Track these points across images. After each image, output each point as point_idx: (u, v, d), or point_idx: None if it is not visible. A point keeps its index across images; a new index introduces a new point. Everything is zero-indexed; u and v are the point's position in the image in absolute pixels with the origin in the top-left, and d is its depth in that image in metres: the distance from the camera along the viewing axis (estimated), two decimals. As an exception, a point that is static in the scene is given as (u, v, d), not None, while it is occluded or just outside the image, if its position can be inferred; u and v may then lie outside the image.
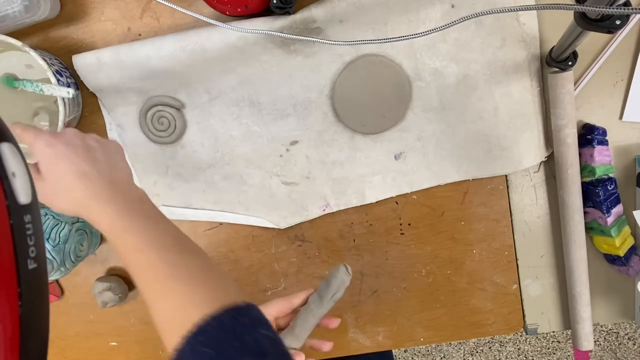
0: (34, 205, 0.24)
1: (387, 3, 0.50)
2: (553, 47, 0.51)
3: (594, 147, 0.53)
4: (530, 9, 0.36)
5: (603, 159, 0.54)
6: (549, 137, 0.55)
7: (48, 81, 0.50)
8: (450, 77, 0.53)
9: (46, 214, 0.54)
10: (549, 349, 1.62)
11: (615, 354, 1.60)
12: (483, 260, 0.59)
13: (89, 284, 0.63)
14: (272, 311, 0.49)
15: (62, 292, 0.64)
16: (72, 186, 0.39)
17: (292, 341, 0.49)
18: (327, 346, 0.51)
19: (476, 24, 0.52)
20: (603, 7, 0.31)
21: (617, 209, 0.55)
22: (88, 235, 0.57)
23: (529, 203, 0.58)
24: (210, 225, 0.61)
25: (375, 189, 0.57)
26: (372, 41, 0.41)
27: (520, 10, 0.36)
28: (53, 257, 0.52)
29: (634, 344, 1.60)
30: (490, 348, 1.62)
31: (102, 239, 0.61)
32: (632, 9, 0.30)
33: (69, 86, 0.52)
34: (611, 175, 0.55)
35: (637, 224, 0.54)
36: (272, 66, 0.54)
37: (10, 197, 0.22)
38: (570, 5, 0.35)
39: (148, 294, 0.35)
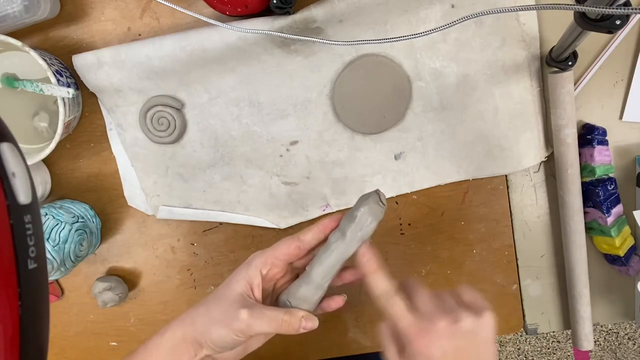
0: (34, 205, 0.24)
1: (387, 3, 0.50)
2: (553, 47, 0.51)
3: (594, 147, 0.53)
4: (530, 9, 0.36)
5: (603, 159, 0.54)
6: (549, 137, 0.55)
7: (48, 81, 0.50)
8: (450, 77, 0.53)
9: (46, 214, 0.54)
10: (549, 349, 1.62)
11: (615, 354, 1.60)
12: (483, 260, 0.59)
13: (89, 284, 0.63)
14: (279, 255, 0.42)
15: (62, 292, 0.64)
16: None
17: (311, 291, 0.41)
18: (336, 302, 0.45)
19: (476, 24, 0.52)
20: (603, 7, 0.31)
21: (617, 209, 0.55)
22: (88, 235, 0.57)
23: (529, 203, 0.58)
24: (210, 225, 0.61)
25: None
26: (372, 41, 0.41)
27: (520, 10, 0.36)
28: (53, 257, 0.52)
29: (634, 344, 1.60)
30: (490, 348, 1.62)
31: (102, 238, 0.61)
32: (632, 9, 0.30)
33: (69, 86, 0.52)
34: (611, 175, 0.55)
35: (637, 224, 0.54)
36: (272, 66, 0.54)
37: (10, 197, 0.22)
38: (570, 5, 0.35)
39: None
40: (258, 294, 0.42)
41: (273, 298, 0.45)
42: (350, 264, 0.43)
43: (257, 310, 0.40)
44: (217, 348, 0.40)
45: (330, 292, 0.44)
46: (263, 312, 0.40)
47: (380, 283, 0.41)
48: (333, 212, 0.59)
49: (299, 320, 0.41)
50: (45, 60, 0.50)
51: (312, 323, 0.41)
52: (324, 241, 0.43)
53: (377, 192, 0.41)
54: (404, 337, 0.39)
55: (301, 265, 0.45)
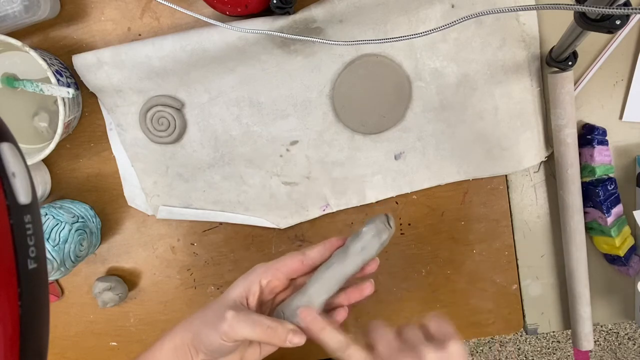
0: (34, 205, 0.24)
1: (387, 3, 0.50)
2: (553, 47, 0.51)
3: (594, 147, 0.53)
4: (530, 9, 0.36)
5: (603, 159, 0.54)
6: (549, 137, 0.55)
7: (48, 81, 0.50)
8: (450, 77, 0.53)
9: (46, 214, 0.54)
10: (549, 349, 1.62)
11: (615, 354, 1.60)
12: (483, 260, 0.59)
13: (89, 284, 0.63)
14: (281, 267, 0.42)
15: (62, 292, 0.64)
16: None
17: (304, 304, 0.41)
18: (368, 289, 0.43)
19: (476, 24, 0.52)
20: (603, 7, 0.31)
21: (617, 209, 0.55)
22: (88, 235, 0.57)
23: (529, 203, 0.58)
24: (210, 225, 0.61)
25: (375, 189, 0.57)
26: (372, 41, 0.41)
27: (520, 10, 0.36)
28: (53, 257, 0.52)
29: (634, 344, 1.60)
30: (490, 348, 1.62)
31: (102, 238, 0.61)
32: (632, 9, 0.30)
33: (69, 86, 0.52)
34: (611, 175, 0.55)
35: (637, 224, 0.54)
36: (272, 66, 0.54)
37: (10, 197, 0.22)
38: (570, 5, 0.35)
39: None
40: (253, 301, 0.42)
41: (272, 312, 0.45)
42: (353, 283, 0.43)
43: (243, 313, 0.39)
44: (208, 352, 0.40)
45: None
46: (248, 316, 0.39)
47: (331, 338, 0.39)
48: (333, 211, 0.59)
49: (286, 332, 0.39)
50: (45, 60, 0.50)
51: (299, 339, 0.40)
52: (324, 258, 0.43)
53: (386, 214, 0.41)
54: None
55: (305, 281, 0.44)
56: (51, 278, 0.55)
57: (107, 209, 0.61)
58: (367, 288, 0.43)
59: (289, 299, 0.43)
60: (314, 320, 0.40)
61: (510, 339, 1.62)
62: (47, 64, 0.50)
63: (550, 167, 0.57)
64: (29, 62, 0.53)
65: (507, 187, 0.58)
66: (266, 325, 0.39)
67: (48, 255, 0.52)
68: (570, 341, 1.36)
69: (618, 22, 0.37)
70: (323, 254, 0.42)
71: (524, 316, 0.61)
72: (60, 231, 0.53)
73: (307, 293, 0.41)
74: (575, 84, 0.54)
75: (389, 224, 0.40)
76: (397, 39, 0.39)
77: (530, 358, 1.62)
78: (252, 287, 0.42)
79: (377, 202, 0.58)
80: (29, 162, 0.53)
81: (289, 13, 0.50)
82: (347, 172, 0.57)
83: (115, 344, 0.65)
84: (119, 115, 0.56)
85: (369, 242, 0.40)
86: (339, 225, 0.60)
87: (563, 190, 0.54)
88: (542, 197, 0.58)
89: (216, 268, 0.62)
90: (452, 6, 0.51)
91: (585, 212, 0.55)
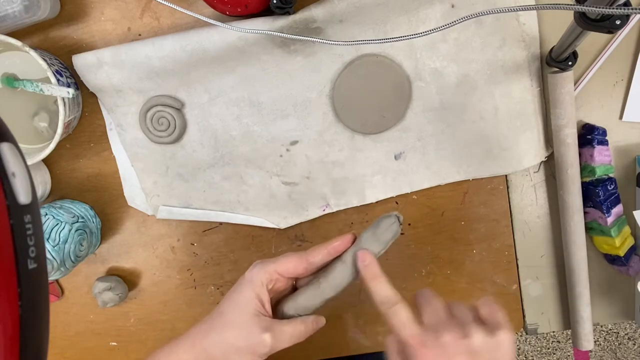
0: (34, 205, 0.24)
1: (387, 3, 0.50)
2: (553, 47, 0.51)
3: (594, 147, 0.53)
4: (530, 9, 0.36)
5: (603, 159, 0.54)
6: (549, 137, 0.55)
7: (48, 81, 0.50)
8: (450, 77, 0.53)
9: (46, 214, 0.54)
10: (549, 349, 1.62)
11: (615, 354, 1.60)
12: (483, 260, 0.59)
13: (89, 284, 0.63)
14: (284, 272, 0.42)
15: (62, 292, 0.64)
16: None
17: (318, 303, 0.42)
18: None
19: (476, 24, 0.52)
20: (603, 7, 0.31)
21: (617, 209, 0.55)
22: (88, 235, 0.57)
23: (529, 203, 0.58)
24: (210, 225, 0.61)
25: (375, 189, 0.57)
26: (372, 41, 0.41)
27: (520, 10, 0.36)
28: (53, 257, 0.52)
29: (634, 344, 1.60)
30: (490, 348, 1.62)
31: (102, 238, 0.61)
32: (632, 9, 0.30)
33: (69, 86, 0.52)
34: (611, 175, 0.55)
35: (637, 224, 0.54)
36: (272, 66, 0.54)
37: (10, 197, 0.22)
38: (570, 5, 0.35)
39: None
40: (269, 308, 0.42)
41: (272, 304, 0.45)
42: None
43: (278, 330, 0.41)
44: None
45: None
46: (283, 330, 0.41)
47: (381, 290, 0.39)
48: (333, 211, 0.59)
49: (312, 325, 0.42)
50: (45, 60, 0.50)
51: (321, 321, 0.43)
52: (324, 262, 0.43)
53: (397, 215, 0.42)
54: (407, 349, 0.36)
55: (304, 283, 0.45)
56: (51, 278, 0.55)
57: (107, 209, 0.61)
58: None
59: (300, 300, 0.43)
60: (369, 266, 0.40)
61: (510, 339, 1.62)
62: (47, 64, 0.50)
63: (550, 167, 0.57)
64: (29, 62, 0.53)
65: (507, 187, 0.58)
66: (299, 331, 0.41)
67: (48, 255, 0.52)
68: (570, 341, 1.36)
69: (618, 22, 0.37)
70: (328, 259, 0.43)
71: (524, 316, 0.61)
72: (60, 231, 0.53)
73: (325, 294, 0.42)
74: (575, 84, 0.54)
75: (400, 222, 0.42)
76: (397, 39, 0.39)
77: (530, 358, 1.62)
78: (264, 296, 0.42)
79: (377, 202, 0.58)
80: (29, 162, 0.53)
81: (289, 13, 0.50)
82: (347, 172, 0.57)
83: (115, 344, 0.65)
84: (119, 115, 0.56)
85: (387, 244, 0.41)
86: (339, 225, 0.60)
87: (563, 190, 0.54)
88: (542, 197, 0.58)
89: (216, 268, 0.62)
90: (452, 6, 0.51)
91: (585, 212, 0.55)
